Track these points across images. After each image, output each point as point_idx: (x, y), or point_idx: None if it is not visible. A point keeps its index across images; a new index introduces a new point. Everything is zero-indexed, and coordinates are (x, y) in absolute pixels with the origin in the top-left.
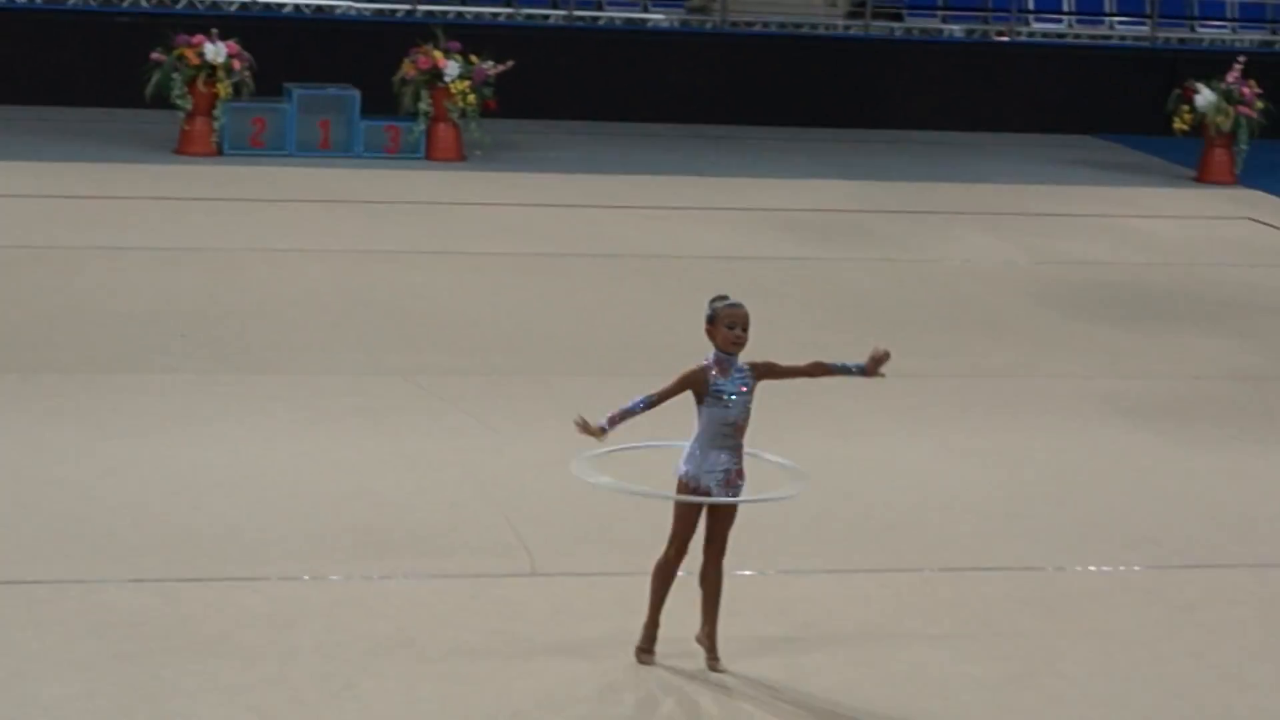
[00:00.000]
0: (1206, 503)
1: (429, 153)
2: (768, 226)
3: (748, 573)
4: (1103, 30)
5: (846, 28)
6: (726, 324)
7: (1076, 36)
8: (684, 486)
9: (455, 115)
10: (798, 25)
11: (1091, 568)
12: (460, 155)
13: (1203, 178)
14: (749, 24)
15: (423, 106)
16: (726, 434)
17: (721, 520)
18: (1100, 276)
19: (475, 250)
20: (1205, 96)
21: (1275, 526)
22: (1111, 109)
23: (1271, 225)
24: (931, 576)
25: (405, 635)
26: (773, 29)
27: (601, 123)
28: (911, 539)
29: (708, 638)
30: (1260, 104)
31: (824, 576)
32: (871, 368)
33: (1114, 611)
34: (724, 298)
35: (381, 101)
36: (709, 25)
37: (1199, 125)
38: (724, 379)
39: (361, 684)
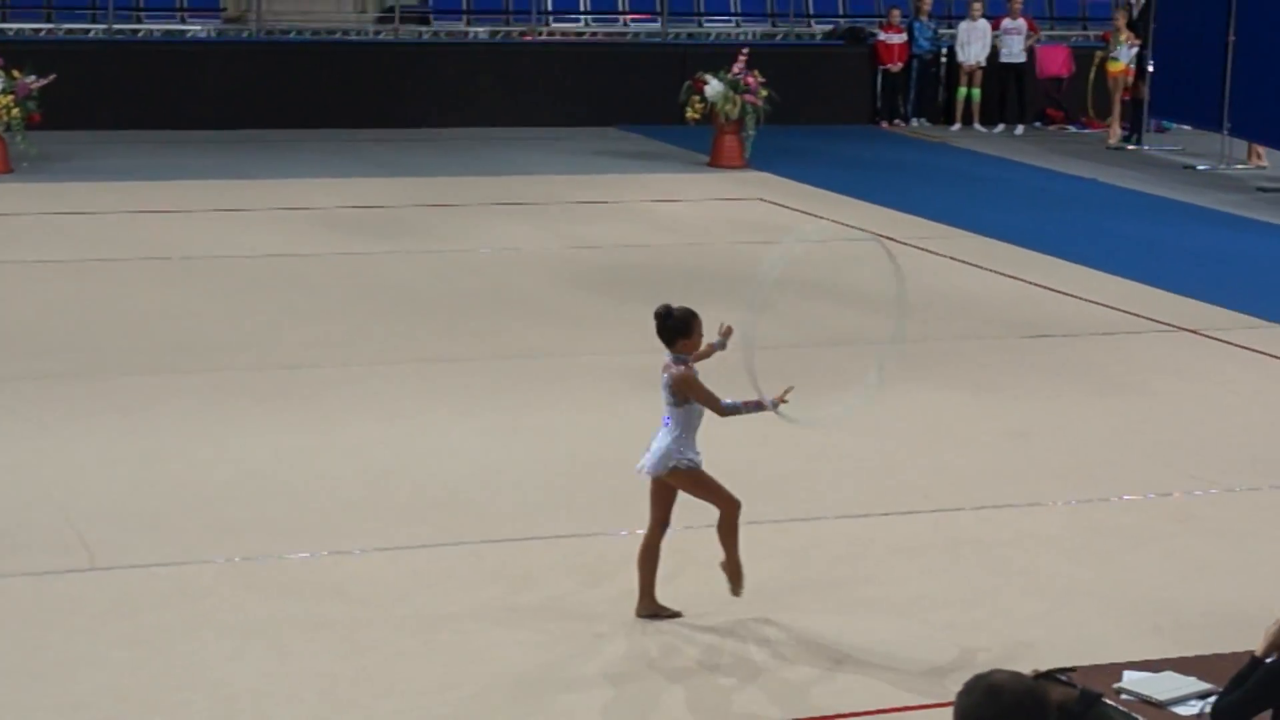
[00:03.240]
0: (734, 464)
1: None
2: (311, 224)
3: (302, 555)
4: (618, 28)
5: (377, 33)
6: (700, 332)
7: (594, 35)
8: (683, 473)
9: (0, 129)
10: (330, 32)
11: (624, 532)
12: (7, 167)
13: (715, 162)
14: (284, 32)
15: None
16: (697, 423)
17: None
18: (627, 257)
19: (26, 259)
20: (714, 87)
21: (794, 484)
22: (631, 101)
23: (779, 204)
24: (480, 548)
25: None
26: (307, 36)
27: (146, 131)
28: (460, 514)
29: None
30: (764, 92)
31: (376, 555)
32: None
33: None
34: (672, 309)
35: None
36: (245, 34)
37: (710, 114)
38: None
39: None
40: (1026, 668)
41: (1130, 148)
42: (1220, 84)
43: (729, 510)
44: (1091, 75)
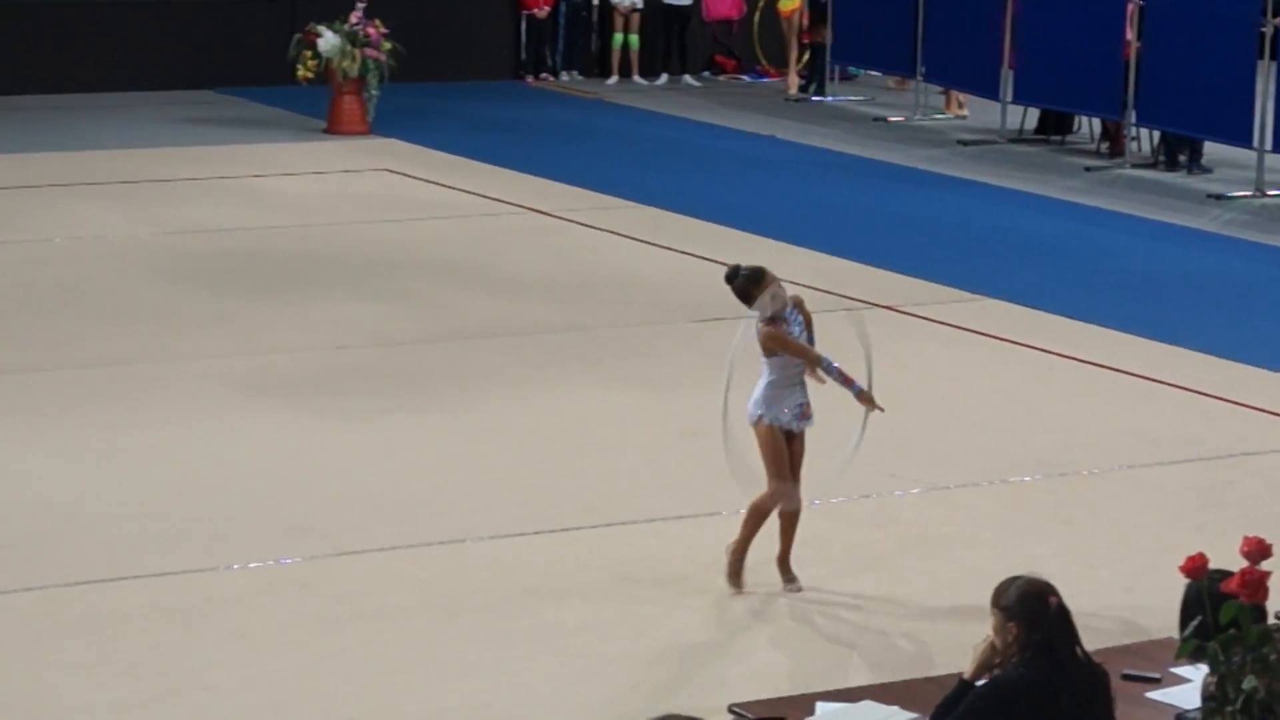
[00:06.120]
0: (361, 483)
1: None
2: None
3: None
4: None
5: None
6: (771, 293)
7: None
8: (764, 428)
9: None
10: None
11: (236, 566)
12: None
13: (334, 128)
14: None
15: None
16: (795, 375)
17: (797, 452)
18: (231, 244)
19: None
20: (328, 40)
21: (431, 503)
22: (231, 60)
23: (408, 175)
24: (61, 594)
25: None
26: None
27: None
28: (35, 556)
29: (781, 560)
30: (388, 45)
31: None
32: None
33: (265, 611)
34: (738, 270)
35: None
36: None
37: (325, 72)
38: (788, 327)
39: None
40: (704, 703)
41: (812, 99)
42: (912, 23)
43: (768, 497)
44: (757, 16)
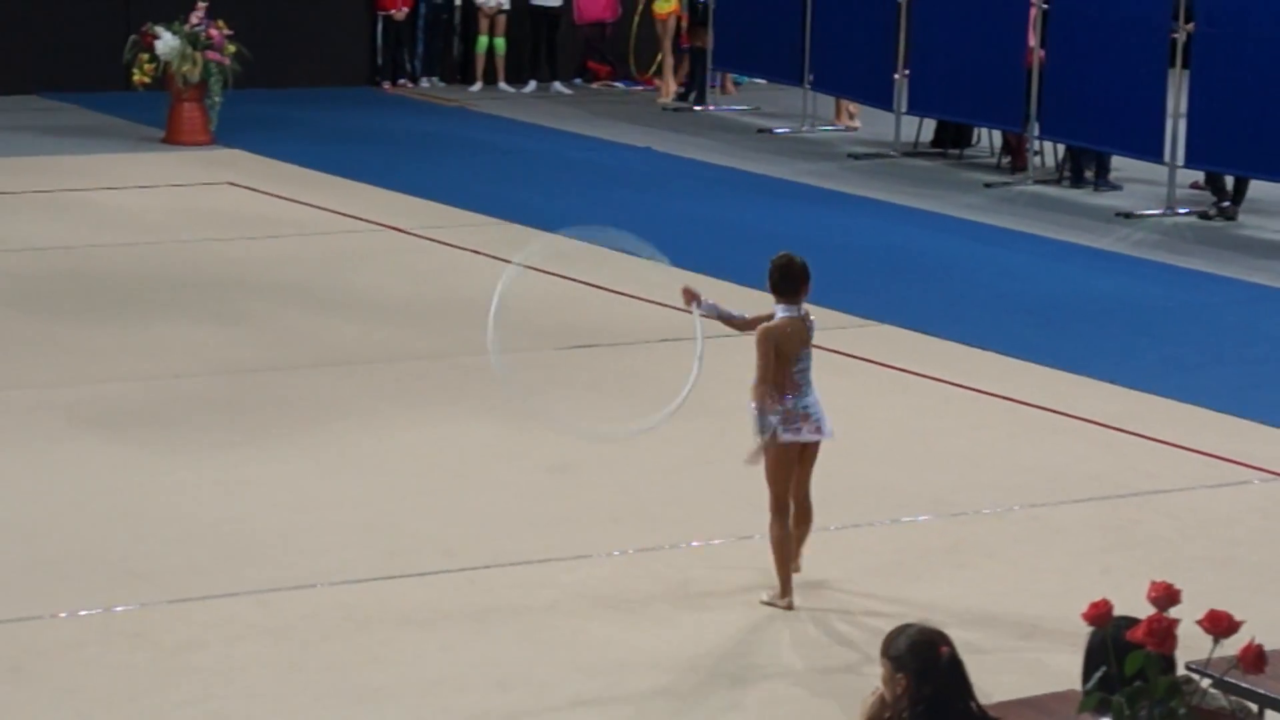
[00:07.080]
0: (201, 523)
1: None
2: None
3: None
4: None
5: None
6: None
7: None
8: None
9: None
10: None
11: (64, 614)
12: None
13: (173, 138)
14: None
15: None
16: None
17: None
18: (59, 263)
19: None
20: (167, 42)
21: (278, 545)
22: (59, 62)
23: (255, 189)
24: None
25: None
26: None
27: None
28: None
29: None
30: (232, 48)
31: None
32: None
33: (96, 663)
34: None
35: None
36: None
37: (164, 76)
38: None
39: None
40: None
41: (693, 108)
42: (799, 27)
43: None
44: (635, 20)
